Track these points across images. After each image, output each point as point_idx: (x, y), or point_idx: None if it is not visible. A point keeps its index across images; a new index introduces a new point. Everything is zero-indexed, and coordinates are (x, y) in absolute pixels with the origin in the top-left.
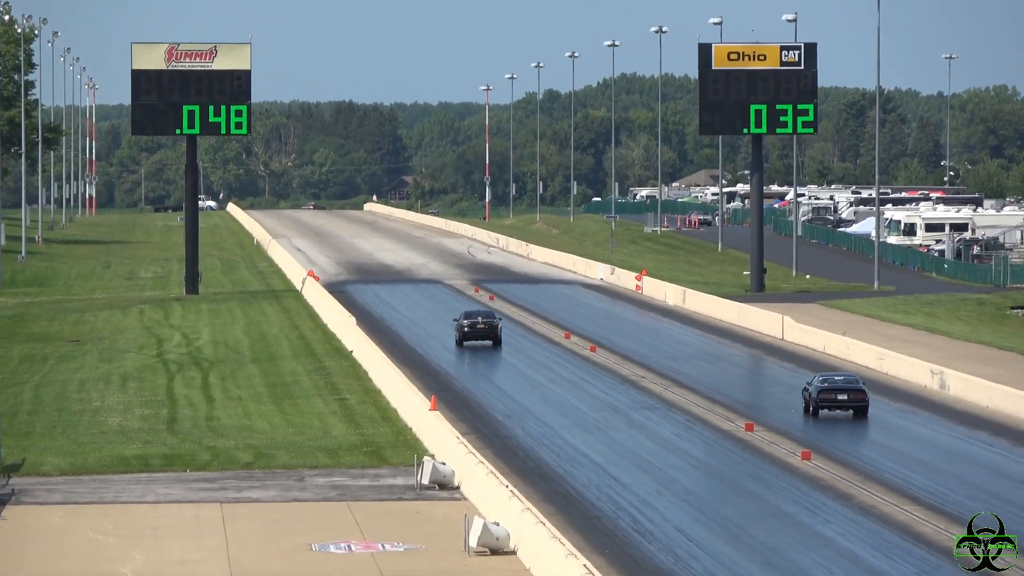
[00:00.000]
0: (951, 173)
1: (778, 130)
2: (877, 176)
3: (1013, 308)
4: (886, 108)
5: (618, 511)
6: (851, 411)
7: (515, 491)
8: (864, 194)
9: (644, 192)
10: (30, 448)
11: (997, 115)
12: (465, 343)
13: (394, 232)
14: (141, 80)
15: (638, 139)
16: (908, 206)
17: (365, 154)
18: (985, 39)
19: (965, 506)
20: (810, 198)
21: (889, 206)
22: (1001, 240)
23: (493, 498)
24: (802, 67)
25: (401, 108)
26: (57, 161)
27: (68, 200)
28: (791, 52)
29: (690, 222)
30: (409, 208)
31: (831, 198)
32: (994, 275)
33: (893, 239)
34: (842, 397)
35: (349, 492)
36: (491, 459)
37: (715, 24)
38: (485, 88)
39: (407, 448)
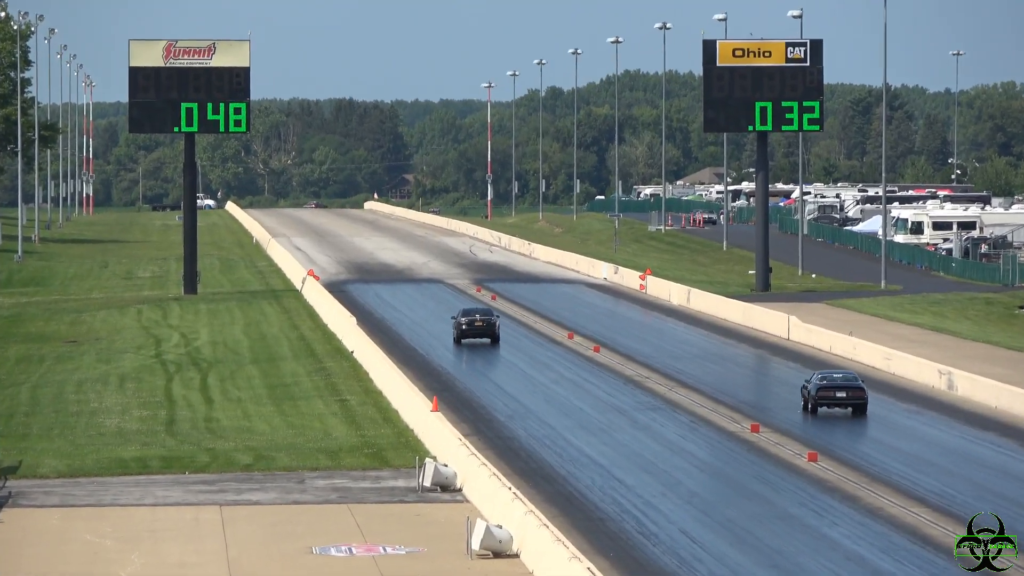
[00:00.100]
0: (958, 171)
1: (783, 127)
2: (884, 174)
3: (1021, 307)
4: (893, 105)
5: (622, 513)
6: (850, 409)
7: (518, 493)
8: (871, 192)
9: (648, 190)
10: (27, 450)
11: (1005, 112)
12: (463, 341)
13: (395, 231)
14: (139, 77)
15: (642, 137)
16: (915, 204)
17: (366, 152)
18: (993, 35)
19: (973, 507)
20: (816, 196)
21: (896, 204)
22: (1009, 239)
23: (496, 500)
24: (808, 64)
25: (402, 105)
26: (54, 159)
27: (65, 199)
28: (797, 48)
29: (694, 221)
30: (410, 207)
31: (837, 196)
32: (1002, 274)
33: (900, 238)
34: (841, 395)
35: (350, 494)
36: (493, 461)
37: (720, 20)
38: (487, 85)
39: (408, 450)
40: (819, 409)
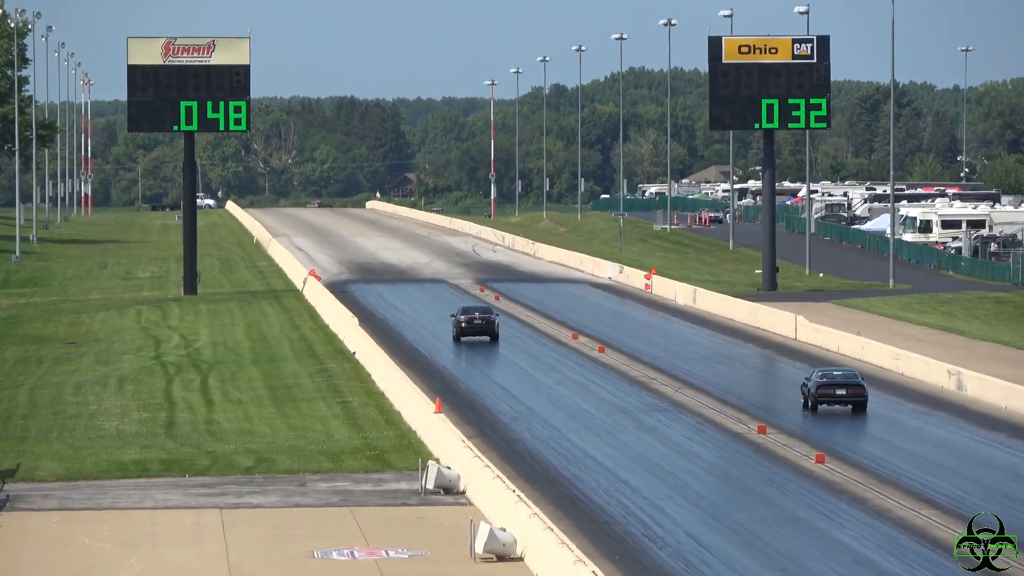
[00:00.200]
0: (967, 169)
1: (790, 125)
2: (892, 172)
3: None
4: (901, 102)
5: (628, 516)
6: (850, 406)
7: (522, 496)
8: (879, 190)
9: (653, 189)
10: (25, 453)
11: (1015, 109)
12: (463, 339)
13: (397, 230)
14: (137, 75)
15: (647, 135)
16: (924, 202)
17: (367, 151)
18: (1002, 31)
19: (983, 509)
20: (823, 195)
21: (904, 202)
22: (1019, 237)
23: (500, 503)
24: (815, 60)
25: (404, 103)
26: (52, 159)
27: (63, 199)
28: (803, 45)
29: (700, 219)
30: (412, 206)
31: (845, 194)
32: (1012, 273)
33: (908, 236)
34: (841, 392)
35: (352, 497)
36: (497, 463)
37: (725, 17)
38: (490, 83)
39: (411, 452)
40: (819, 407)
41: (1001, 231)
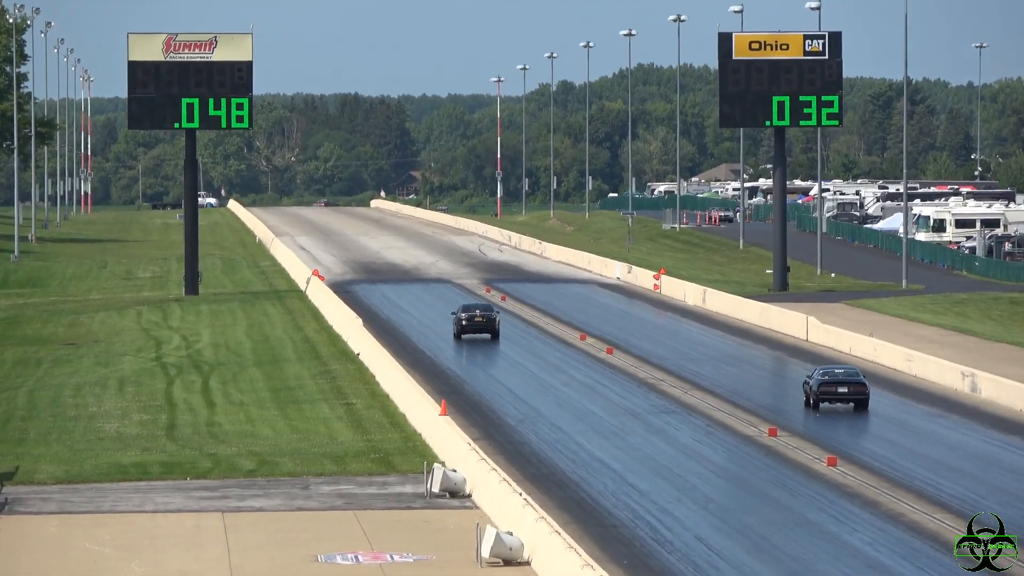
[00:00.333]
0: (981, 167)
1: (801, 122)
2: (905, 170)
3: None
4: (914, 99)
5: (636, 519)
6: (852, 404)
7: (529, 499)
8: (891, 189)
9: (662, 187)
10: (24, 456)
11: None
12: (463, 336)
13: (402, 230)
14: (138, 72)
15: (656, 132)
16: (937, 201)
17: (371, 148)
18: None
19: (997, 513)
20: (835, 193)
21: (917, 201)
22: None
23: (506, 506)
24: (826, 57)
25: (409, 100)
26: (51, 157)
27: (62, 197)
28: (815, 41)
29: (710, 218)
30: (417, 204)
31: (857, 193)
32: None
33: (922, 236)
34: (843, 390)
35: (356, 501)
36: (504, 466)
37: (736, 12)
38: (496, 80)
39: (416, 455)
40: (821, 404)
41: (1016, 230)
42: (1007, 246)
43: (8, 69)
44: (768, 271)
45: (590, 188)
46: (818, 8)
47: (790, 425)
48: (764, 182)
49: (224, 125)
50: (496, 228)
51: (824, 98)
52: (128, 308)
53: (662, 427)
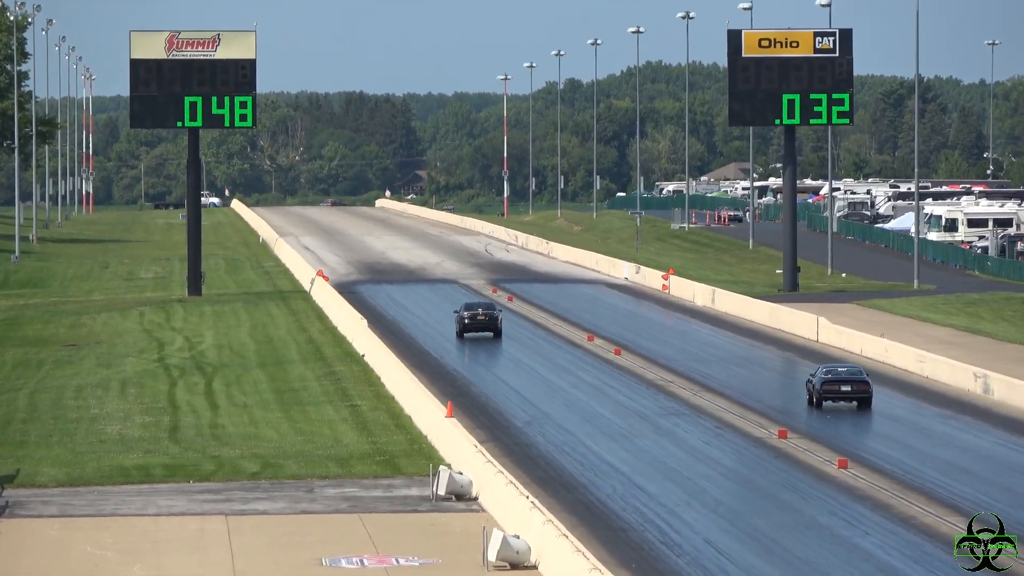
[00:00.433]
0: (994, 166)
1: (812, 121)
2: (916, 169)
3: None
4: (926, 97)
5: (644, 523)
6: (855, 402)
7: (536, 502)
8: (903, 188)
9: (671, 187)
10: (25, 458)
11: None
12: (466, 335)
13: (407, 229)
14: (140, 70)
15: (664, 131)
16: (949, 200)
17: (377, 147)
18: None
19: (1010, 516)
20: (846, 192)
21: (929, 200)
22: None
23: (513, 509)
24: (837, 54)
25: (414, 99)
26: (52, 156)
27: (64, 197)
28: (825, 38)
29: (719, 218)
30: (423, 204)
31: (868, 192)
32: None
33: (933, 235)
34: (846, 388)
35: (361, 503)
36: (511, 468)
37: (745, 9)
38: (503, 78)
39: (422, 457)
40: (824, 403)
41: None
42: (1020, 245)
43: (9, 67)
44: (778, 271)
45: (598, 187)
46: (829, 5)
47: (800, 427)
48: (774, 181)
49: (227, 124)
50: (503, 228)
51: (835, 96)
52: (130, 309)
53: (671, 429)
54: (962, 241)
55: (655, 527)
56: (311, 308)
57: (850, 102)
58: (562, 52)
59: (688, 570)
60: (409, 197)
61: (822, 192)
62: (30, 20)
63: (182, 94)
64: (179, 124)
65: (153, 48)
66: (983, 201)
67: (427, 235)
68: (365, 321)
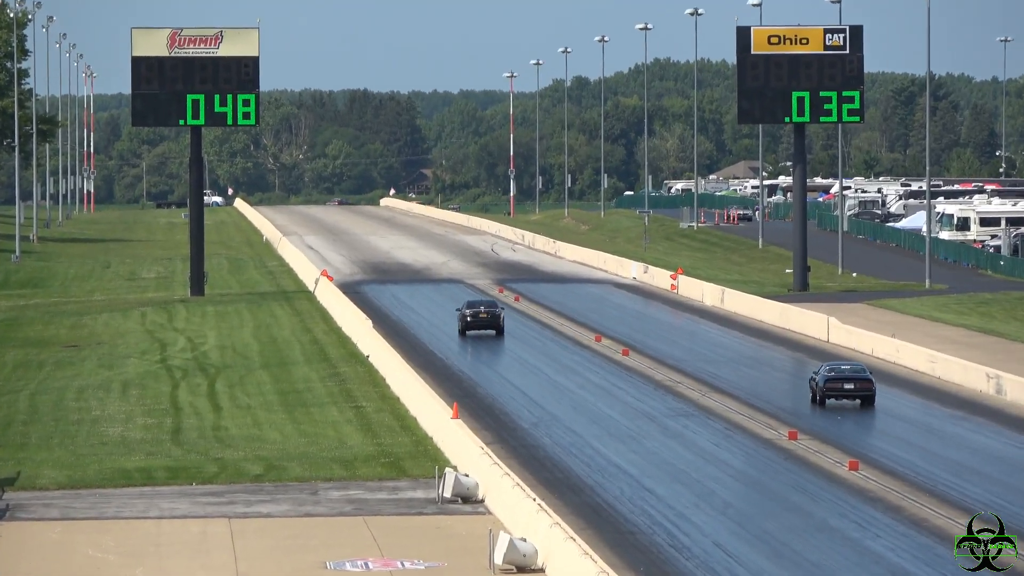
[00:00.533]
0: (1006, 164)
1: (822, 119)
2: (928, 167)
3: None
4: (937, 95)
5: (653, 525)
6: (858, 401)
7: (543, 504)
8: (914, 186)
9: (679, 185)
10: (25, 460)
11: None
12: (468, 332)
13: (412, 229)
14: (142, 68)
15: (673, 129)
16: (961, 199)
17: (381, 146)
18: None
19: (1023, 518)
20: (857, 191)
21: (941, 199)
22: None
23: (519, 512)
24: (847, 51)
25: (419, 97)
26: (53, 154)
27: (65, 196)
28: (835, 35)
29: (729, 217)
30: (428, 203)
31: (879, 191)
32: None
33: (945, 234)
34: (849, 386)
35: (366, 506)
36: (517, 470)
37: (754, 6)
38: (509, 75)
39: (427, 459)
40: (827, 401)
41: None
42: None
43: (9, 65)
44: (788, 271)
45: (605, 186)
46: (839, 1)
47: (810, 428)
48: (784, 180)
49: (230, 122)
50: (509, 227)
51: (845, 93)
52: (132, 309)
53: (679, 430)
54: (974, 240)
55: (664, 530)
56: (315, 308)
57: (860, 100)
58: (569, 49)
59: (697, 573)
60: (411, 196)
61: (832, 191)
62: (30, 17)
63: (184, 92)
64: (181, 122)
65: (155, 45)
66: (995, 199)
67: (432, 234)
68: (370, 321)
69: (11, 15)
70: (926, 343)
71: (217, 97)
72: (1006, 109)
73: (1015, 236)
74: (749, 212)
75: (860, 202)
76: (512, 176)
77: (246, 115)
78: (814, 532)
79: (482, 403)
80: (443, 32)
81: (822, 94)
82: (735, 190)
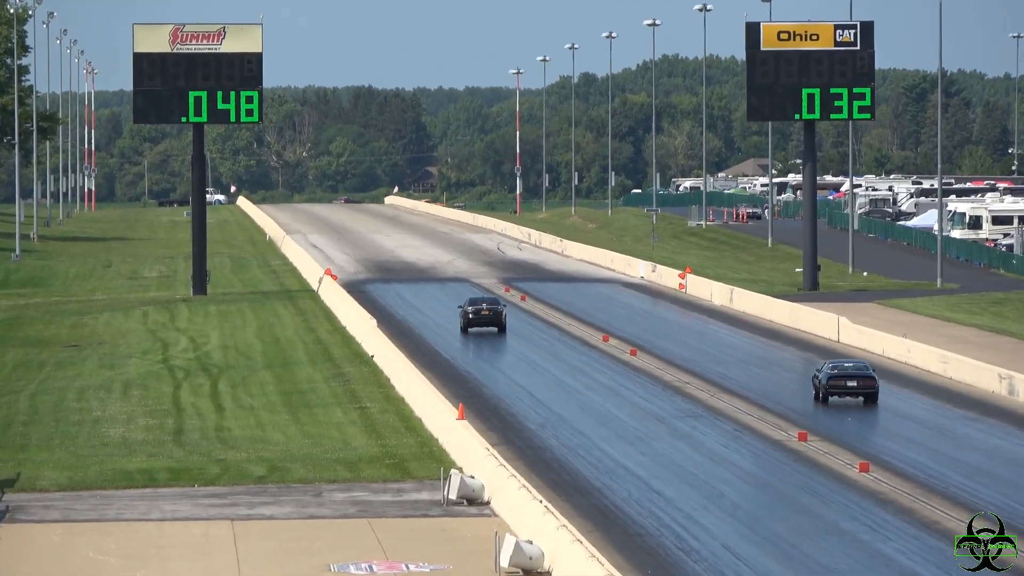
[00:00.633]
0: (1019, 162)
1: (832, 116)
2: (940, 165)
3: None
4: (949, 92)
5: (661, 528)
6: (861, 398)
7: (550, 506)
8: (925, 185)
9: (688, 183)
10: (26, 462)
11: None
12: (470, 330)
13: (417, 227)
14: (144, 64)
15: (681, 126)
16: (973, 197)
17: (386, 143)
18: None
19: None
20: (867, 189)
21: (953, 197)
22: None
23: (526, 514)
24: (858, 47)
25: (425, 93)
26: (53, 152)
27: (65, 194)
28: (846, 31)
29: (738, 215)
30: (434, 201)
31: (890, 189)
32: None
33: (957, 233)
34: (852, 384)
35: (370, 508)
36: (524, 472)
37: (764, 1)
38: (515, 72)
39: (433, 460)
40: (830, 398)
41: None
42: None
43: (9, 61)
44: (798, 270)
45: (613, 184)
46: None
47: (820, 429)
48: (793, 177)
49: (233, 119)
50: (515, 225)
51: (855, 90)
52: (134, 309)
53: (688, 432)
54: (986, 239)
55: (672, 532)
56: (319, 308)
57: (871, 96)
58: (576, 45)
59: None
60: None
61: (843, 189)
62: (31, 13)
63: (187, 88)
64: (183, 119)
65: (157, 41)
66: (1008, 198)
67: (438, 233)
68: (374, 321)
69: (11, 11)
70: (938, 343)
71: (220, 94)
72: (1018, 106)
73: None
74: (758, 210)
75: (871, 200)
76: (518, 174)
77: (249, 112)
78: (824, 535)
79: (488, 404)
80: (449, 28)
81: (832, 91)
82: (744, 188)
